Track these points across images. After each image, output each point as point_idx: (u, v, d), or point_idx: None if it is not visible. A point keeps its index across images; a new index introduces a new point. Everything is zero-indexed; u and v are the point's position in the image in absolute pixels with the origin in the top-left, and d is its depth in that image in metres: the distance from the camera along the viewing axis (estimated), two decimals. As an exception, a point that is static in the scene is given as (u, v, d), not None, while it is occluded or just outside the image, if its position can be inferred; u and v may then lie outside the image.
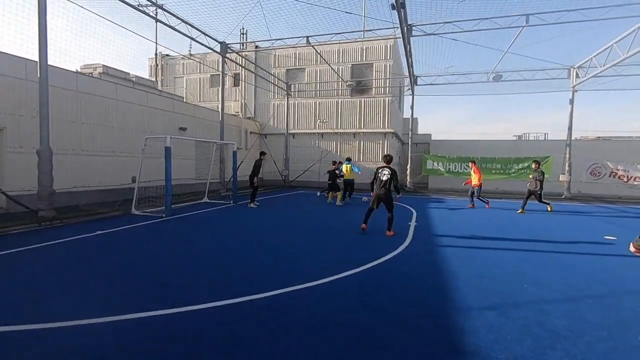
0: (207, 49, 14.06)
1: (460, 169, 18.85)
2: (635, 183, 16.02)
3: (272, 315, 3.49)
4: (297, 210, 11.48)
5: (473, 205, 12.48)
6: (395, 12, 9.33)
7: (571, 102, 16.42)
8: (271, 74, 20.21)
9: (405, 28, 10.98)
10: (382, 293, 4.16)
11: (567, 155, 16.56)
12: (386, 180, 7.28)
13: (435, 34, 11.76)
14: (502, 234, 7.81)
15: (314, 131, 21.01)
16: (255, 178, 10.90)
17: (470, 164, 13.51)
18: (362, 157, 20.22)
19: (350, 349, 2.92)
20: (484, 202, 12.77)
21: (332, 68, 19.01)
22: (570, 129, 16.65)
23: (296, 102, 21.22)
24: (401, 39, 13.75)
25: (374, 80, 19.78)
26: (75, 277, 4.58)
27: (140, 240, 6.75)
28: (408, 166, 19.26)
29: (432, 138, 25.55)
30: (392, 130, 20.00)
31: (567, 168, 16.45)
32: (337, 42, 14.33)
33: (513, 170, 18.19)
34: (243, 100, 21.78)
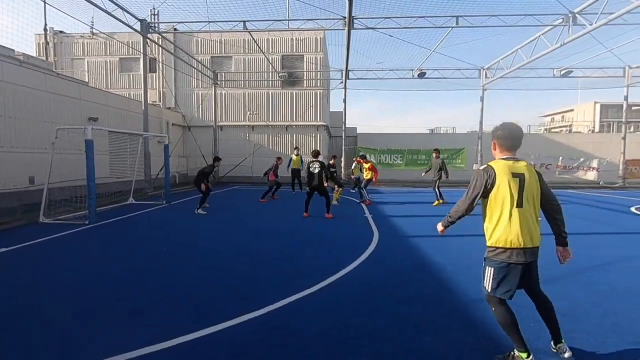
0: (115, 27, 12.11)
1: (390, 161, 19.88)
2: (537, 170, 18.75)
3: None
4: (238, 210, 10.69)
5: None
6: (341, 3, 9.17)
7: (481, 99, 18.51)
8: (195, 59, 18.47)
9: (349, 20, 10.92)
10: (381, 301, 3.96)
11: (479, 147, 18.67)
12: (317, 173, 8.47)
13: (375, 29, 11.97)
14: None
15: (244, 123, 19.97)
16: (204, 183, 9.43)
17: (358, 159, 12.15)
18: (293, 151, 19.94)
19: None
20: (365, 197, 11.40)
21: (267, 58, 18.20)
22: (481, 123, 18.79)
23: (224, 92, 19.85)
24: (330, 32, 13.92)
25: (305, 72, 19.53)
26: (-3, 315, 3.40)
27: (66, 256, 5.43)
28: (342, 159, 19.57)
29: (358, 131, 26.53)
30: (325, 124, 20.09)
31: (479, 158, 18.53)
32: (266, 30, 13.68)
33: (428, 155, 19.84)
34: (162, 89, 19.55)
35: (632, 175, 18.60)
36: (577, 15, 10.99)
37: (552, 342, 2.73)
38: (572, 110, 57.26)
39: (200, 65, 18.66)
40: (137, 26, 12.38)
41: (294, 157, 14.53)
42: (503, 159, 2.57)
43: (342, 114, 20.19)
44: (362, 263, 5.04)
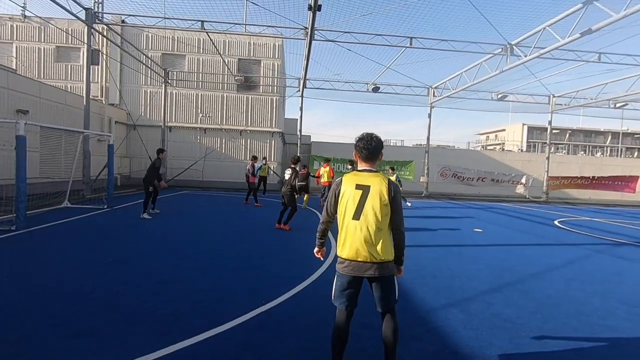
0: (53, 11, 11.03)
1: (343, 169, 20.26)
2: (472, 184, 20.27)
3: None
4: (190, 216, 10.21)
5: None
6: (308, 12, 9.28)
7: (429, 115, 19.71)
8: (145, 54, 17.43)
9: (311, 31, 11.06)
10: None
11: (426, 160, 19.80)
12: (288, 180, 8.16)
13: (335, 42, 12.25)
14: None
15: (196, 125, 19.21)
16: (156, 182, 8.79)
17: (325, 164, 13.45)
18: (249, 156, 19.56)
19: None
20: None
21: (223, 60, 17.71)
22: (428, 137, 19.95)
23: (175, 91, 18.95)
24: (289, 40, 13.99)
25: (262, 78, 19.35)
26: None
27: (-7, 268, 4.78)
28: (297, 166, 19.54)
29: (312, 139, 26.78)
30: (280, 130, 20.02)
31: (426, 171, 19.63)
32: (223, 32, 13.36)
33: (383, 170, 20.64)
34: (105, 83, 18.15)
35: (554, 187, 20.93)
36: (514, 46, 12.23)
37: None
38: (504, 130, 63.18)
39: (149, 61, 17.65)
40: (82, 14, 11.40)
41: (263, 165, 14.76)
42: (358, 170, 2.54)
43: (296, 121, 20.28)
44: (325, 272, 5.06)
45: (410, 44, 12.36)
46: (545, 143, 22.03)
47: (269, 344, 3.03)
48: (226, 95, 19.35)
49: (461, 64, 15.32)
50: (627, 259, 6.97)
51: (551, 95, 19.68)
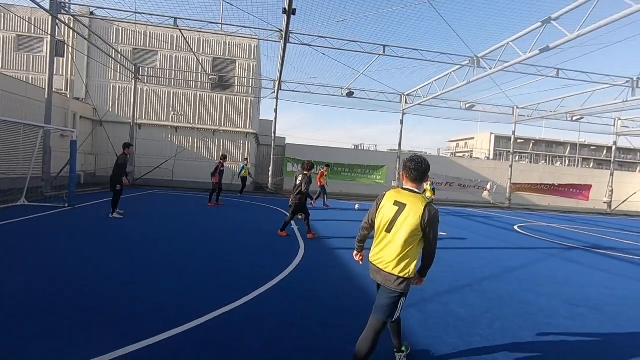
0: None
1: (317, 172, 20.39)
2: (440, 189, 20.93)
3: None
4: (157, 216, 9.98)
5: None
6: (283, 16, 9.35)
7: (401, 122, 20.23)
8: (114, 48, 16.85)
9: (286, 34, 11.13)
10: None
11: (398, 165, 20.28)
12: (298, 186, 7.74)
13: (310, 45, 12.37)
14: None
15: (167, 124, 18.75)
16: (124, 180, 8.46)
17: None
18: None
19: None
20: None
21: (197, 58, 17.42)
22: (400, 143, 20.47)
23: (146, 88, 18.42)
24: (264, 41, 14.02)
25: (237, 78, 19.18)
26: None
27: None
28: (270, 168, 19.52)
29: (287, 142, 26.79)
30: (254, 131, 19.89)
31: (397, 175, 20.11)
32: (197, 30, 13.17)
33: (356, 174, 20.98)
34: (70, 76, 17.38)
35: (516, 189, 22.01)
36: (480, 59, 12.83)
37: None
38: (472, 138, 65.67)
39: (119, 56, 17.08)
40: (46, 4, 10.91)
41: (245, 166, 15.99)
42: (402, 188, 2.71)
43: (271, 122, 20.23)
44: (291, 274, 5.12)
45: (384, 51, 12.69)
46: (512, 152, 23.14)
47: (230, 344, 3.06)
48: (199, 94, 19.02)
49: (432, 73, 15.88)
50: (576, 262, 7.48)
51: (515, 107, 20.73)
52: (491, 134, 60.84)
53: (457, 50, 12.62)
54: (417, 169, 2.63)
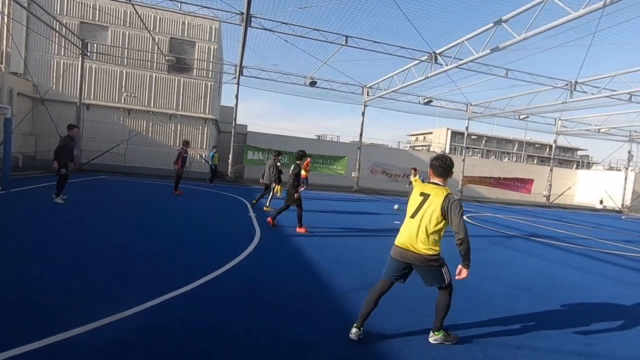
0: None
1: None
2: (398, 181, 21.68)
3: None
4: (103, 203, 9.44)
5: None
6: (244, -2, 9.07)
7: (363, 114, 20.56)
8: (59, 20, 15.46)
9: (247, 17, 10.83)
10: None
11: (358, 156, 20.66)
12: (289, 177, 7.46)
13: (272, 31, 12.14)
14: (330, 223, 9.06)
15: (119, 105, 17.64)
16: (70, 164, 7.90)
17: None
18: (179, 142, 18.55)
19: None
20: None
21: (152, 37, 16.43)
22: (361, 135, 20.82)
23: (94, 66, 17.15)
24: (226, 25, 13.55)
25: (196, 61, 18.40)
26: None
27: None
28: (230, 155, 19.07)
29: (248, 129, 26.30)
30: (214, 117, 19.30)
31: (357, 166, 20.49)
32: (152, 6, 12.41)
33: (318, 164, 21.08)
34: (6, 48, 15.73)
35: (467, 182, 23.32)
36: (438, 55, 13.30)
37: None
38: (431, 132, 68.26)
39: (64, 29, 15.71)
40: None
41: (214, 154, 16.52)
42: (429, 182, 3.22)
43: (232, 109, 19.69)
44: (243, 260, 5.09)
45: (346, 42, 12.77)
46: (465, 147, 24.39)
47: (150, 345, 3.00)
48: (155, 76, 18.05)
49: (393, 67, 16.22)
50: (515, 250, 8.11)
51: (469, 104, 21.79)
52: (448, 129, 63.59)
53: (417, 45, 12.99)
54: (442, 165, 3.13)
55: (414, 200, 3.14)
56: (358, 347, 3.06)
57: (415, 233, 3.02)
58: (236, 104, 18.88)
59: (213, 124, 19.54)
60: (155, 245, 5.52)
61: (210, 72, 18.76)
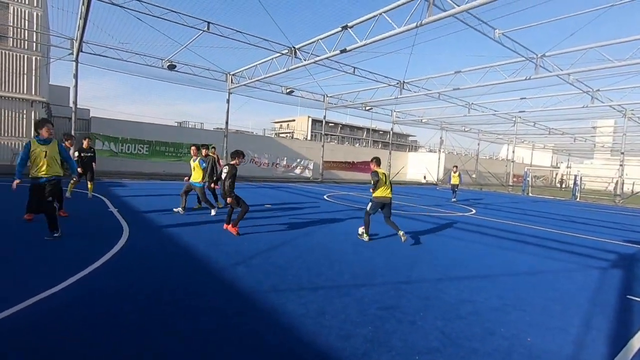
0: None
1: (134, 151, 18.36)
2: (263, 167, 22.54)
3: None
4: None
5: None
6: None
7: (227, 101, 20.43)
8: None
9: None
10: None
11: (225, 144, 20.55)
12: (224, 178, 6.66)
13: (121, 7, 10.96)
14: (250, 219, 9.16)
15: None
16: None
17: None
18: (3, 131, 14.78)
19: None
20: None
21: None
22: (227, 122, 20.71)
23: None
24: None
25: (13, 28, 14.85)
26: None
27: None
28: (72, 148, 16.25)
29: (92, 114, 22.87)
30: (43, 99, 16.13)
31: (224, 154, 20.38)
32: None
33: (181, 154, 20.07)
34: None
35: (327, 167, 26.04)
36: (297, 50, 14.45)
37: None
38: (294, 120, 71.82)
39: None
40: None
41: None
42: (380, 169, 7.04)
43: (67, 89, 16.83)
44: (114, 256, 4.96)
45: (208, 28, 12.56)
46: (324, 134, 26.96)
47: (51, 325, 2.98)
48: (-54, 42, 13.81)
49: (256, 57, 16.70)
50: (360, 218, 9.90)
51: (325, 95, 24.18)
52: (309, 117, 68.10)
53: (279, 39, 13.80)
54: (379, 161, 6.99)
55: (385, 176, 6.95)
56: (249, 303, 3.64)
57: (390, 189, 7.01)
58: (75, 85, 16.09)
59: (42, 107, 16.30)
60: (14, 245, 4.77)
61: (35, 44, 15.48)
